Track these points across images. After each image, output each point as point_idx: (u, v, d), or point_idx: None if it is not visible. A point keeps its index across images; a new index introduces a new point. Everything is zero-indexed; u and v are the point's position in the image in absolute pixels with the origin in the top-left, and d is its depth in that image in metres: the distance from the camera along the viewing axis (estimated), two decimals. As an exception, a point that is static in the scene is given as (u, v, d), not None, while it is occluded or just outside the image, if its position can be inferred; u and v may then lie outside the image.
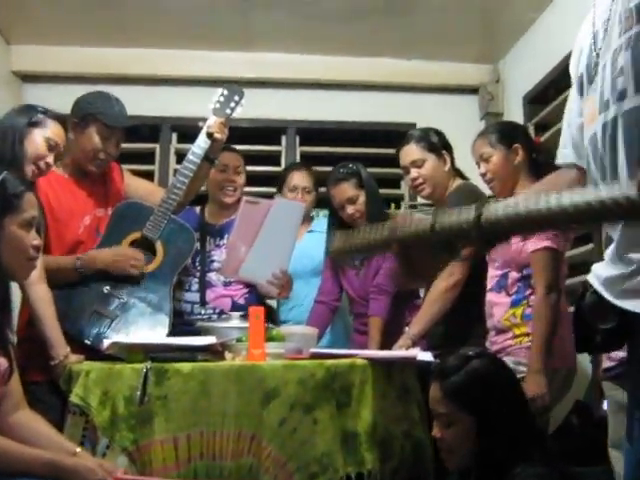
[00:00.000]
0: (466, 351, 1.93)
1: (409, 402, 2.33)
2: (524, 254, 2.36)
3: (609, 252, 1.37)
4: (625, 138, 1.27)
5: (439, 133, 2.90)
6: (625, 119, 1.27)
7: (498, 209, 1.23)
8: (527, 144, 2.63)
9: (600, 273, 1.37)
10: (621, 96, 1.28)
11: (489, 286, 2.49)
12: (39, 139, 2.40)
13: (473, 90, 4.66)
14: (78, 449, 1.88)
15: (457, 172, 2.86)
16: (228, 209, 3.09)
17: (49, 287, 2.43)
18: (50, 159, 2.43)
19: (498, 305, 2.45)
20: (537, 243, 2.32)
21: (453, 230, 1.27)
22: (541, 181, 1.66)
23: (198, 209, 3.22)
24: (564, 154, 1.54)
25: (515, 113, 4.24)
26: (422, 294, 2.86)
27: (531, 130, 3.93)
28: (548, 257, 2.32)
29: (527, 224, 1.21)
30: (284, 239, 2.82)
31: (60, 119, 2.50)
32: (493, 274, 2.49)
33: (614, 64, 1.30)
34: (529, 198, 1.18)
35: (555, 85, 3.75)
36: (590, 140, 1.38)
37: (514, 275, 2.43)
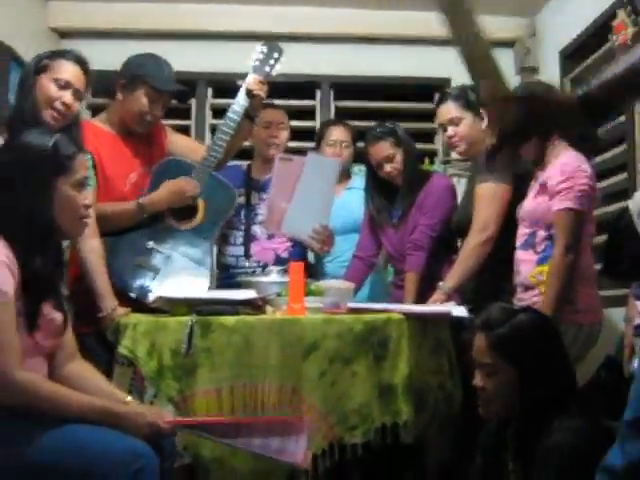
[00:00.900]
0: (511, 305, 1.99)
1: (442, 355, 2.40)
2: (550, 213, 2.39)
3: None
4: None
5: (477, 90, 2.91)
6: None
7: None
8: None
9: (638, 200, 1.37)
10: None
11: (518, 244, 2.53)
12: (46, 82, 2.39)
13: (509, 44, 4.59)
14: (128, 398, 1.96)
15: None
16: (272, 164, 3.15)
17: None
18: (67, 98, 2.40)
19: (525, 262, 2.49)
20: (561, 203, 2.35)
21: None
22: None
23: (245, 165, 3.29)
24: None
25: (551, 68, 4.20)
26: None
27: (568, 86, 3.90)
28: (569, 218, 2.35)
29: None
30: (322, 194, 2.88)
31: (71, 56, 2.46)
32: (522, 232, 2.53)
33: None
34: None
35: (592, 40, 3.70)
36: None
37: (541, 234, 2.45)
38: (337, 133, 3.48)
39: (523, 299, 2.46)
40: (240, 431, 1.94)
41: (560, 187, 2.35)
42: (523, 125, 1.41)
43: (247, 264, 3.07)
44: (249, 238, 3.10)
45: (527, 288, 2.46)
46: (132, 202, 2.68)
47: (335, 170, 2.94)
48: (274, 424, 1.99)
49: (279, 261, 3.02)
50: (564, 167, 2.38)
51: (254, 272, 3.01)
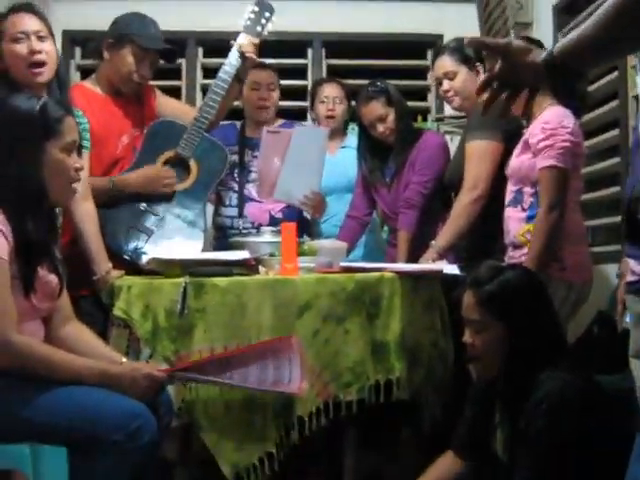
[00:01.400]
0: (500, 263, 2.00)
1: (434, 313, 2.42)
2: (535, 171, 2.39)
3: None
4: None
5: None
6: None
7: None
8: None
9: None
10: None
11: (506, 201, 2.54)
12: (8, 46, 2.36)
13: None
14: (124, 359, 1.98)
15: None
16: (265, 125, 3.14)
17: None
18: (34, 45, 2.34)
19: (514, 220, 2.49)
20: (543, 161, 2.34)
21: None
22: None
23: (239, 124, 3.29)
24: None
25: (545, 23, 4.16)
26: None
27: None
28: (553, 175, 2.34)
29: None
30: (312, 162, 2.90)
31: (15, 8, 2.40)
32: (509, 189, 2.53)
33: None
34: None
35: (587, -6, 3.67)
36: None
37: (528, 190, 2.45)
38: (329, 90, 3.48)
39: (513, 257, 2.47)
40: (235, 364, 1.96)
41: (541, 145, 2.34)
42: (503, 77, 1.46)
43: (242, 224, 3.09)
44: (243, 198, 3.11)
45: (516, 246, 2.48)
46: (106, 179, 2.68)
47: (323, 138, 2.97)
48: (266, 349, 2.02)
49: (273, 221, 3.02)
50: (545, 124, 2.36)
51: (248, 233, 3.02)
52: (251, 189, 3.12)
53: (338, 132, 3.47)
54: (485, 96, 2.76)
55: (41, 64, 2.37)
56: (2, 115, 1.87)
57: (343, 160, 3.34)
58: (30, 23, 2.38)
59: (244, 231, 3.06)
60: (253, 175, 3.12)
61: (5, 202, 1.78)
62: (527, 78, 1.46)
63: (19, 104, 1.87)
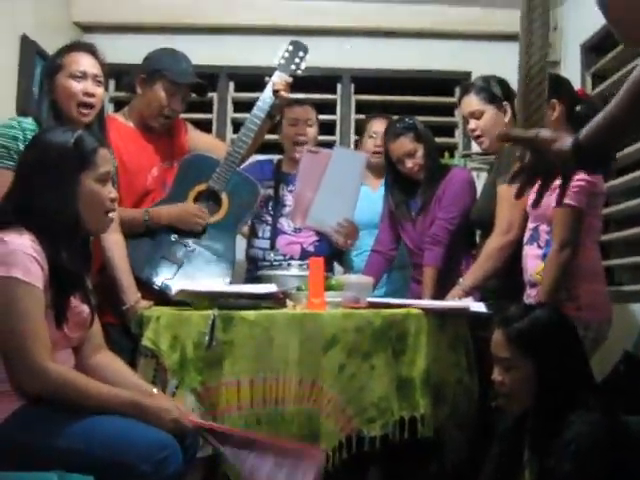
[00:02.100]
0: (529, 302, 2.00)
1: (460, 350, 2.42)
2: (550, 208, 2.39)
3: None
4: None
5: (502, 82, 2.90)
6: None
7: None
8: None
9: None
10: None
11: (525, 239, 2.54)
12: (64, 80, 2.44)
13: (530, 37, 4.59)
14: (155, 390, 2.01)
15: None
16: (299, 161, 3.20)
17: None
18: (89, 87, 2.44)
19: (530, 257, 2.49)
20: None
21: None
22: None
23: (275, 159, 3.34)
24: None
25: (572, 62, 4.18)
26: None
27: (589, 80, 3.89)
28: (566, 214, 2.34)
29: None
30: (348, 188, 2.93)
31: (81, 47, 2.50)
32: (528, 227, 2.54)
33: None
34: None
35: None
36: None
37: (544, 228, 2.45)
38: (379, 125, 3.48)
39: (530, 295, 2.47)
40: (257, 448, 1.96)
41: (557, 183, 2.35)
42: (534, 168, 1.50)
43: (273, 257, 3.12)
44: (276, 231, 3.15)
45: (532, 285, 2.47)
46: (141, 210, 2.74)
47: (361, 164, 2.98)
48: (290, 451, 1.99)
49: (305, 254, 3.05)
50: None
51: (280, 265, 3.04)
52: (284, 223, 3.15)
53: (383, 169, 3.43)
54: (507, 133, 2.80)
55: (90, 106, 2.45)
56: (39, 148, 1.92)
57: (381, 196, 3.34)
58: (91, 65, 2.47)
59: (275, 263, 3.08)
60: (287, 209, 3.15)
61: (41, 232, 1.82)
62: (557, 166, 1.48)
63: (55, 137, 1.92)
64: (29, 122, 2.40)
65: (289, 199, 3.16)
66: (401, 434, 2.27)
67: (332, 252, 3.14)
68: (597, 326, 2.43)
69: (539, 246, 2.47)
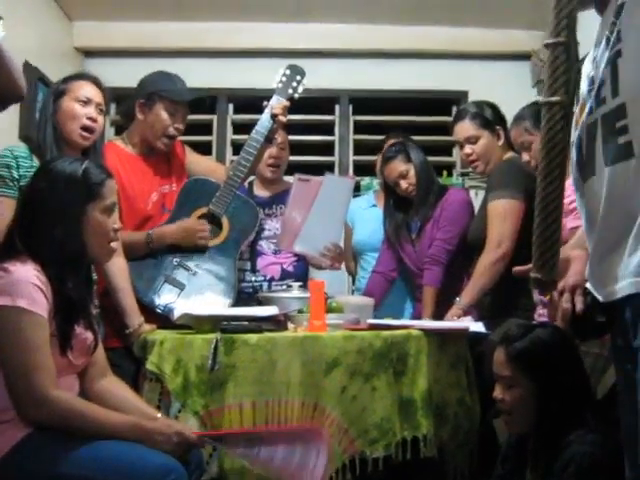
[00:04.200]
0: (529, 321, 2.02)
1: (461, 370, 2.44)
2: (566, 231, 2.40)
3: None
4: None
5: (493, 107, 2.96)
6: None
7: None
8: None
9: None
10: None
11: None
12: (69, 103, 2.49)
13: (525, 57, 4.64)
14: (159, 415, 2.02)
15: (510, 145, 2.91)
16: (273, 183, 3.25)
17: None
18: (92, 113, 2.50)
19: None
20: (574, 222, 2.36)
21: None
22: None
23: (246, 184, 3.33)
24: None
25: (567, 80, 4.23)
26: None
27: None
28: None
29: None
30: (335, 213, 2.96)
31: (86, 76, 2.57)
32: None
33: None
34: None
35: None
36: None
37: None
38: None
39: (543, 315, 2.49)
40: (265, 441, 1.97)
41: (573, 206, 2.38)
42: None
43: (254, 278, 3.13)
44: (255, 253, 3.16)
45: (545, 305, 2.49)
46: (143, 233, 2.76)
47: (349, 189, 3.02)
48: (295, 434, 2.03)
49: (285, 275, 3.09)
50: None
51: (261, 286, 3.08)
52: (264, 245, 3.16)
53: None
54: (507, 155, 2.83)
55: (91, 131, 2.50)
56: (48, 178, 1.94)
57: None
58: (96, 95, 2.53)
59: (257, 284, 3.10)
60: (267, 232, 3.16)
61: (47, 261, 1.84)
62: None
63: (63, 168, 1.94)
64: (21, 149, 2.44)
65: (266, 222, 3.17)
66: (404, 454, 2.28)
67: (307, 271, 3.18)
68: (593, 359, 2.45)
69: None
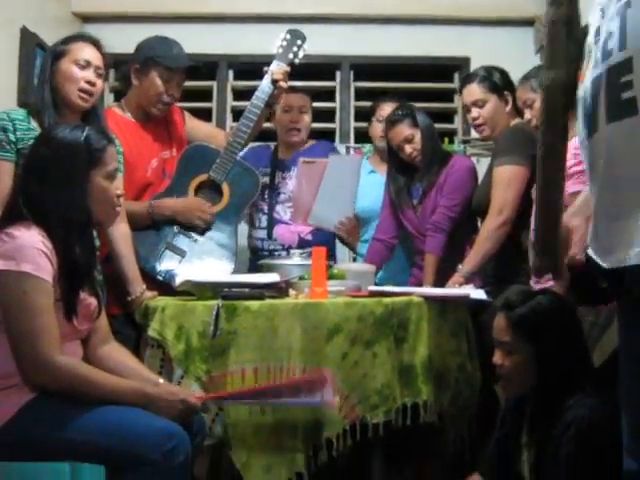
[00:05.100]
0: (530, 288, 2.03)
1: (461, 337, 2.46)
2: (566, 196, 2.39)
3: None
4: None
5: (503, 72, 2.94)
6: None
7: None
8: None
9: None
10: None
11: (532, 226, 2.55)
12: (67, 65, 2.45)
13: (528, 22, 4.58)
14: (161, 380, 2.04)
15: (517, 112, 2.89)
16: (295, 147, 3.24)
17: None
18: (90, 76, 2.46)
19: None
20: (574, 187, 2.35)
21: None
22: None
23: (273, 145, 3.37)
24: None
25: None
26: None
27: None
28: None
29: None
30: (346, 189, 2.99)
31: (86, 38, 2.53)
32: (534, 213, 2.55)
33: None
34: None
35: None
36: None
37: None
38: (387, 110, 3.39)
39: (539, 282, 2.49)
40: (269, 396, 2.04)
41: (572, 170, 2.36)
42: None
43: (271, 246, 3.15)
44: (272, 221, 3.18)
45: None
46: (145, 203, 2.77)
47: (358, 166, 3.02)
48: (300, 384, 2.07)
49: (303, 244, 3.09)
50: (577, 150, 2.38)
51: (278, 255, 3.08)
52: (280, 211, 3.18)
53: None
54: (514, 122, 2.82)
55: (90, 94, 2.47)
56: (50, 146, 1.94)
57: None
58: (96, 58, 2.50)
59: (275, 253, 3.11)
60: (282, 196, 3.19)
61: (53, 227, 1.85)
62: None
63: (65, 135, 1.94)
64: (18, 112, 2.43)
65: (285, 186, 3.19)
66: (404, 420, 2.30)
67: (329, 240, 3.17)
68: (608, 312, 2.46)
69: None
